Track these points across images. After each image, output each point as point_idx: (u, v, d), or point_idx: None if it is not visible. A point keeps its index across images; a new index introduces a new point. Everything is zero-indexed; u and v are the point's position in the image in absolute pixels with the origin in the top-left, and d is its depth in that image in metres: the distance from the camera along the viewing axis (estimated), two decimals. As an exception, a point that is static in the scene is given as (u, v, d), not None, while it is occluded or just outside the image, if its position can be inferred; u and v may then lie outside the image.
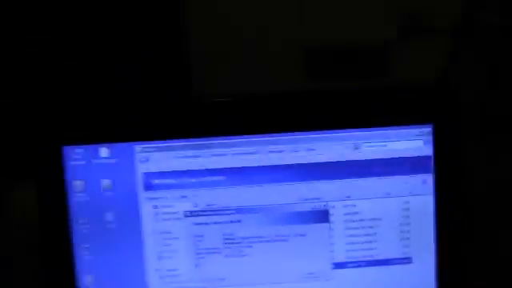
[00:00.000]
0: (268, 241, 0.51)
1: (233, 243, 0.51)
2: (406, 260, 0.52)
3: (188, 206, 0.51)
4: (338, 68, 0.61)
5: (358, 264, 0.52)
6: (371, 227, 0.51)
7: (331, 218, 0.51)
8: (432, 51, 0.63)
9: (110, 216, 0.51)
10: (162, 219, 0.51)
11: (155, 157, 0.51)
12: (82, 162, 0.51)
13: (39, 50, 0.56)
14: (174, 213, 0.51)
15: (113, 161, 0.51)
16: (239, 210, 0.51)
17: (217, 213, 0.51)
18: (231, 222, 0.51)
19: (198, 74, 0.57)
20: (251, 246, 0.51)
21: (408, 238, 0.52)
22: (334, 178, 0.51)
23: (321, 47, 0.61)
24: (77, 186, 0.51)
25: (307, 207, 0.51)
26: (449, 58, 0.60)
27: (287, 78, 0.60)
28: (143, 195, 0.51)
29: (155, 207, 0.51)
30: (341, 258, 0.52)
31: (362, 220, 0.51)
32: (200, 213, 0.51)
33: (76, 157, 0.51)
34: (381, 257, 0.52)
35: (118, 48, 0.58)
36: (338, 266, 0.52)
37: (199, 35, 0.59)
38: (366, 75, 0.62)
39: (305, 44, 0.62)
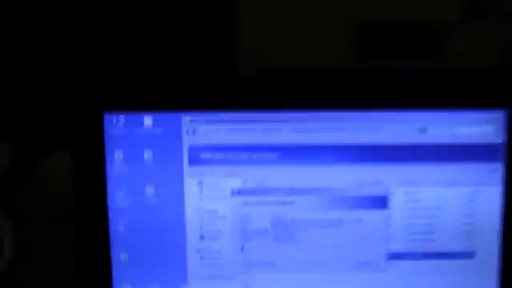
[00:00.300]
0: (321, 226, 0.47)
1: (283, 226, 0.47)
2: (468, 255, 0.48)
3: (236, 183, 0.47)
4: (392, 48, 0.57)
5: (416, 256, 0.48)
6: (433, 217, 0.47)
7: (390, 205, 0.47)
8: (494, 37, 0.58)
9: (150, 190, 0.47)
10: (207, 197, 0.47)
11: (204, 129, 0.47)
12: (124, 131, 0.47)
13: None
14: (221, 190, 0.47)
15: (157, 131, 0.47)
16: (292, 191, 0.47)
17: (267, 193, 0.47)
18: (282, 203, 0.47)
19: (249, 48, 0.52)
20: (302, 231, 0.47)
21: (471, 231, 0.48)
22: (397, 162, 0.47)
23: (376, 25, 0.57)
24: (116, 156, 0.47)
25: (366, 192, 0.47)
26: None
27: (338, 56, 0.55)
28: (188, 170, 0.47)
29: (200, 183, 0.47)
30: (398, 248, 0.48)
31: (423, 209, 0.47)
32: (249, 192, 0.47)
33: (117, 124, 0.47)
34: (441, 249, 0.48)
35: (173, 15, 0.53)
36: (394, 256, 0.48)
37: (249, 9, 0.54)
38: (422, 57, 0.57)
39: (360, 22, 0.57)
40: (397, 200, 0.47)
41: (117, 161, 0.47)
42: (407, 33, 0.59)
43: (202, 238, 0.48)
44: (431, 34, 0.61)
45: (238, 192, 0.47)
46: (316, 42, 0.57)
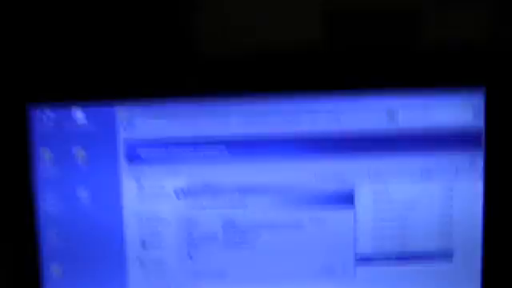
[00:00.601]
0: (278, 228, 0.42)
1: (235, 230, 0.41)
2: (446, 257, 0.42)
3: (180, 183, 0.41)
4: (365, 31, 0.50)
5: (387, 259, 0.42)
6: (405, 215, 0.42)
7: (357, 202, 0.41)
8: (469, 19, 0.52)
9: (83, 194, 0.41)
10: (148, 199, 0.41)
11: (141, 122, 0.41)
12: (52, 127, 0.41)
13: None
14: (163, 191, 0.41)
15: (89, 126, 0.41)
16: (243, 191, 0.41)
17: (216, 193, 0.41)
18: (233, 204, 0.41)
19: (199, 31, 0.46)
20: (257, 235, 0.42)
21: (449, 231, 0.42)
22: (363, 153, 0.41)
23: (348, 11, 0.50)
24: (44, 156, 0.41)
25: (328, 188, 0.41)
26: (499, 19, 0.49)
27: (307, 41, 0.49)
28: (125, 169, 0.41)
29: (140, 184, 0.41)
30: (366, 250, 0.42)
31: (394, 206, 0.42)
32: (195, 192, 0.41)
33: (44, 119, 0.41)
34: (415, 252, 0.42)
35: None
36: (363, 260, 0.42)
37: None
38: (396, 42, 0.51)
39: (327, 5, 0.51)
40: (364, 196, 0.42)
41: (45, 160, 0.41)
42: (381, 18, 0.52)
43: (143, 245, 0.42)
44: (405, 19, 0.54)
45: (183, 193, 0.41)
46: (285, 29, 0.51)
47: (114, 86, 0.41)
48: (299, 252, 0.42)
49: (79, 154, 0.41)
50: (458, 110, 0.41)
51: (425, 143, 0.41)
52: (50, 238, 0.42)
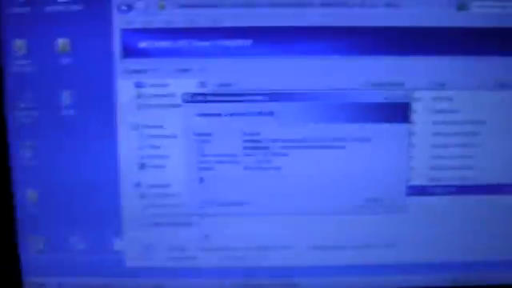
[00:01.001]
0: (312, 146, 0.32)
1: (258, 148, 0.32)
2: None
3: (191, 85, 0.32)
4: None
5: (447, 190, 0.33)
6: (472, 134, 0.33)
7: (413, 117, 0.32)
8: None
9: (67, 97, 0.32)
10: (149, 105, 0.32)
11: (143, 4, 0.31)
12: (27, 9, 0.31)
13: None
14: (169, 95, 0.32)
15: (75, 8, 0.31)
16: (271, 96, 0.32)
17: (235, 98, 0.32)
18: (257, 113, 0.32)
19: None
20: (286, 154, 0.32)
21: None
22: (422, 54, 0.32)
23: None
24: (17, 48, 0.32)
25: (376, 97, 0.32)
26: None
27: None
28: (121, 66, 0.32)
29: (139, 85, 0.32)
30: (421, 179, 0.33)
31: (459, 122, 0.33)
32: (209, 97, 0.32)
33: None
34: (482, 181, 0.33)
35: None
36: (416, 191, 0.33)
37: None
38: None
39: None
40: (422, 109, 0.33)
41: (17, 55, 0.32)
42: None
43: (141, 166, 0.33)
44: None
45: (194, 98, 0.32)
46: None
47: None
48: (339, 177, 0.33)
49: (62, 45, 0.32)
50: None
51: (503, 43, 0.32)
52: (24, 156, 0.33)
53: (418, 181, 0.34)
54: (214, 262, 0.34)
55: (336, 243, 0.34)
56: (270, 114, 0.33)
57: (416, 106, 0.33)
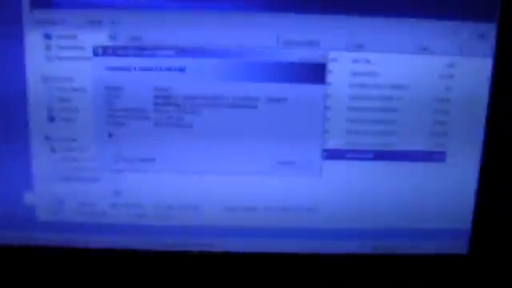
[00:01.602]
0: (225, 105, 0.32)
1: (169, 104, 0.32)
2: (437, 156, 0.33)
3: (101, 38, 0.31)
4: None
5: (362, 155, 0.33)
6: (390, 99, 0.32)
7: (329, 78, 0.31)
8: None
9: None
10: (59, 58, 0.31)
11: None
12: None
13: None
14: (79, 48, 0.31)
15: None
16: (183, 52, 0.31)
17: (147, 53, 0.31)
18: (169, 69, 0.31)
19: None
20: (198, 112, 0.32)
21: (444, 123, 0.33)
22: (341, 13, 0.31)
23: None
24: None
25: (293, 56, 0.31)
26: None
27: None
28: (30, 16, 0.30)
29: (48, 37, 0.31)
30: (337, 143, 0.32)
31: (377, 86, 0.32)
32: (120, 51, 0.31)
33: None
34: (399, 147, 0.32)
35: None
36: (332, 154, 0.32)
37: None
38: None
39: None
40: (339, 71, 0.32)
41: None
42: None
43: (51, 119, 0.32)
44: None
45: (104, 51, 0.31)
46: None
47: None
48: (252, 138, 0.32)
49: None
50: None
51: (425, 6, 0.31)
52: None
53: (333, 144, 0.33)
54: (124, 219, 0.34)
55: (249, 204, 0.34)
56: (181, 69, 0.32)
57: (332, 67, 0.32)
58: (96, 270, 0.35)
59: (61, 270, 0.35)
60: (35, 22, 0.31)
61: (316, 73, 0.32)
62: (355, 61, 0.32)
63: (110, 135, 0.33)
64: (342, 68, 0.32)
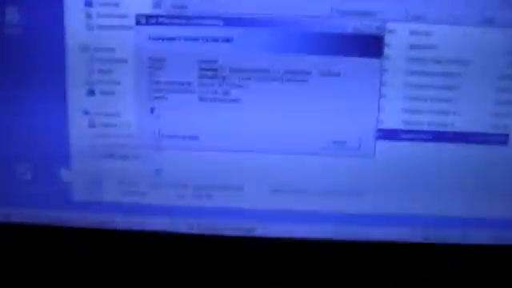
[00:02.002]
0: (274, 78, 0.30)
1: (214, 77, 0.30)
2: (500, 138, 0.30)
3: (145, 5, 0.29)
4: None
5: (419, 136, 0.30)
6: (450, 75, 0.30)
7: (386, 51, 0.29)
8: None
9: (12, 15, 0.29)
10: (99, 26, 0.29)
11: None
12: None
13: None
14: (121, 16, 0.29)
15: None
16: (229, 21, 0.29)
17: (192, 22, 0.29)
18: (215, 40, 0.29)
19: None
20: (245, 86, 0.30)
21: (508, 103, 0.30)
22: None
23: None
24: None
25: (347, 27, 0.29)
26: None
27: None
28: None
29: (88, 4, 0.29)
30: (392, 122, 0.30)
31: (437, 61, 0.29)
32: (164, 19, 0.29)
33: None
34: (458, 128, 0.30)
35: None
36: (386, 134, 0.30)
37: None
38: None
39: None
40: (397, 44, 0.30)
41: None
42: None
43: (90, 92, 0.31)
44: None
45: (147, 20, 0.29)
46: None
47: None
48: (299, 115, 0.30)
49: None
50: None
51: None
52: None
53: (388, 124, 0.31)
54: (165, 200, 0.32)
55: (296, 187, 0.32)
56: (228, 40, 0.30)
57: (389, 40, 0.30)
58: (134, 253, 0.33)
59: (98, 253, 0.33)
60: (75, -12, 0.30)
61: (372, 45, 0.30)
62: (414, 33, 0.30)
63: (152, 110, 0.31)
64: (399, 41, 0.30)
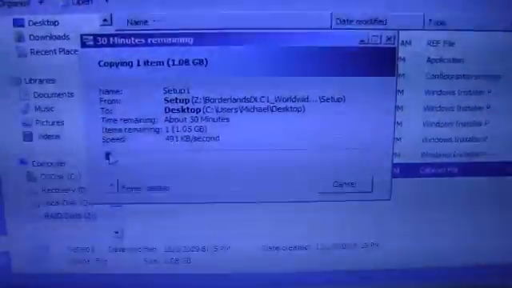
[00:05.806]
0: (263, 109, 0.23)
1: (185, 110, 0.23)
2: None
3: (91, 21, 0.22)
4: None
5: (444, 170, 0.24)
6: (481, 94, 0.24)
7: (400, 67, 0.23)
8: None
9: None
10: (34, 52, 0.23)
11: None
12: None
13: None
14: (61, 37, 0.23)
15: None
16: (203, 38, 0.22)
17: (155, 40, 0.22)
18: (185, 62, 0.23)
19: None
20: (225, 119, 0.23)
21: None
22: None
23: None
24: None
25: (351, 39, 0.23)
26: None
27: None
28: None
29: (19, 24, 0.22)
30: (410, 155, 0.24)
31: (461, 76, 0.23)
32: (117, 39, 0.23)
33: None
34: (493, 158, 0.24)
35: None
36: (405, 170, 0.24)
37: None
38: None
39: None
40: (413, 57, 0.23)
41: None
42: None
43: (27, 137, 0.24)
44: None
45: (96, 40, 0.23)
46: None
47: None
48: (296, 153, 0.24)
49: None
50: None
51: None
52: None
53: (406, 157, 0.25)
54: (128, 268, 0.25)
55: (295, 243, 0.25)
56: (201, 62, 0.23)
57: (404, 53, 0.24)
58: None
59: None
60: (1, 3, 0.23)
61: (382, 61, 0.24)
62: (433, 43, 0.24)
63: (108, 155, 0.24)
64: (416, 53, 0.24)
